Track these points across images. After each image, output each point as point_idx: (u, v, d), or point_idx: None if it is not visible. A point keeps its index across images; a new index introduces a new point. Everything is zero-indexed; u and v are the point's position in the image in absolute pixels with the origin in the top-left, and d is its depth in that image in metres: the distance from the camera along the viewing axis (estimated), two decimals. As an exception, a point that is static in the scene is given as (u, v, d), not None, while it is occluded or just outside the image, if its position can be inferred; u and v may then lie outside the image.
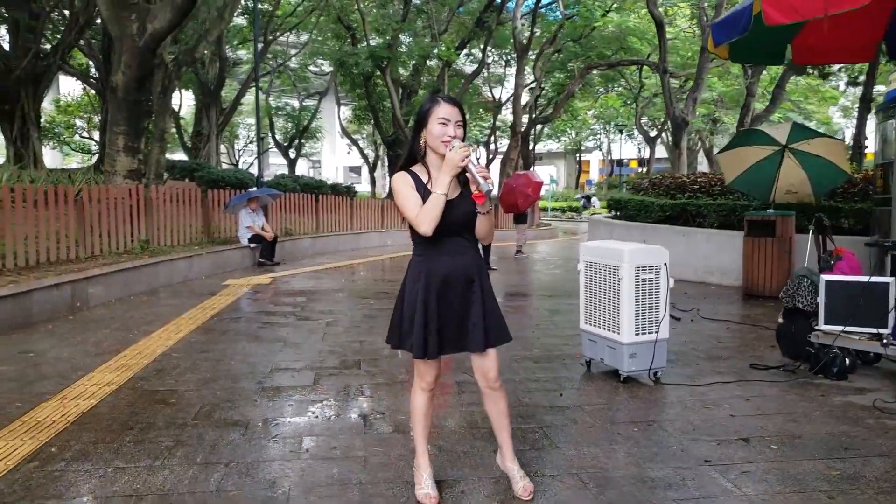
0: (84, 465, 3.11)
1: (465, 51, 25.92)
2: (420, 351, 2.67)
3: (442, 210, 2.54)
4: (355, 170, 54.64)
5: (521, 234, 13.89)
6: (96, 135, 22.95)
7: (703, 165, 35.48)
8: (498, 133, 33.25)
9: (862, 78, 15.54)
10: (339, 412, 3.92)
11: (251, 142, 37.34)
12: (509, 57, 28.54)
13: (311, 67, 31.74)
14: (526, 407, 3.99)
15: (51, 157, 29.24)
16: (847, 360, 4.56)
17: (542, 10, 24.62)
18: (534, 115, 28.09)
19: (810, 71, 19.41)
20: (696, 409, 3.96)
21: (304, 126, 33.00)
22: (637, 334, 4.38)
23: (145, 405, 3.97)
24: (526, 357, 5.18)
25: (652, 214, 10.80)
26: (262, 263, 11.22)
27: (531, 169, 24.02)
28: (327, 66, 30.38)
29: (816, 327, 4.70)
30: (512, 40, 23.14)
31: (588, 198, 37.68)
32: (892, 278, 4.50)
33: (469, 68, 28.85)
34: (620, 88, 32.57)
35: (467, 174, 2.58)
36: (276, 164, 42.00)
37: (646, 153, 39.26)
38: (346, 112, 36.79)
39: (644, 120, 36.01)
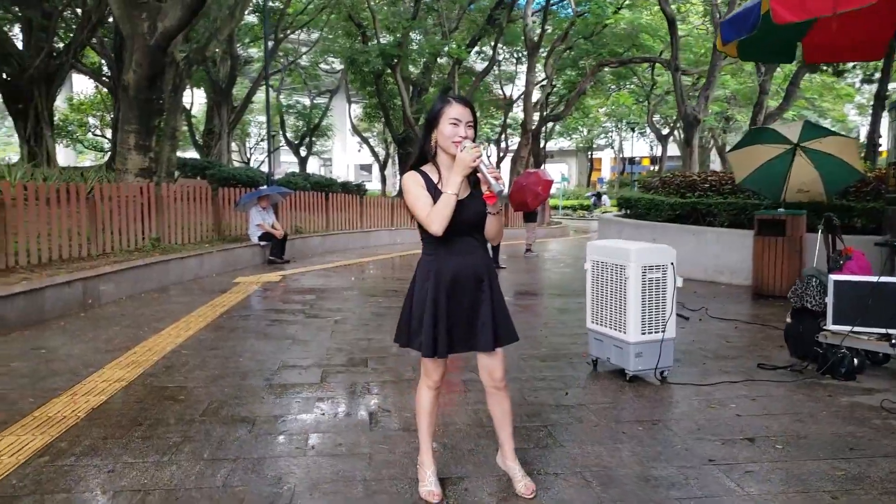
0: (93, 460, 3.16)
1: (476, 48, 25.88)
2: (430, 350, 2.69)
3: (453, 210, 2.55)
4: (366, 168, 54.74)
5: (531, 232, 13.89)
6: (109, 133, 23.17)
7: (715, 164, 35.26)
8: (509, 131, 33.20)
9: (877, 75, 15.41)
10: (345, 409, 3.95)
11: (262, 140, 37.52)
12: (520, 54, 28.48)
13: (322, 65, 31.82)
14: (531, 405, 4.00)
15: (64, 155, 29.56)
16: (855, 361, 4.53)
17: (554, 6, 24.54)
18: (545, 113, 28.03)
19: (824, 68, 19.26)
20: (701, 409, 3.95)
21: (315, 124, 33.13)
22: (643, 333, 4.38)
23: (154, 401, 4.02)
24: (533, 356, 5.19)
25: (662, 213, 10.76)
26: (272, 261, 11.28)
27: (542, 167, 23.98)
28: (338, 64, 30.43)
29: (825, 327, 4.68)
30: (523, 37, 23.09)
31: (599, 195, 37.52)
32: (902, 278, 4.48)
33: (480, 66, 28.82)
34: (632, 86, 32.41)
35: (478, 174, 2.59)
36: (288, 162, 42.19)
37: (658, 151, 39.06)
38: (356, 110, 36.88)
39: (656, 118, 35.83)
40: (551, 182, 12.44)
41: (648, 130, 38.18)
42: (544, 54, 24.69)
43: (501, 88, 33.44)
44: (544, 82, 27.33)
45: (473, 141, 2.61)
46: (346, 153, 52.49)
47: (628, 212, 12.78)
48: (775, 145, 7.94)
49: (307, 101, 35.24)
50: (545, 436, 3.51)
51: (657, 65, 25.83)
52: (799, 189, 8.23)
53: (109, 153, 20.00)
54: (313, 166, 44.40)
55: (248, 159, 38.57)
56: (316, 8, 23.98)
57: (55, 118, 19.38)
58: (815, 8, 3.86)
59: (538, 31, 22.77)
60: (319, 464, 3.15)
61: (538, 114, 26.69)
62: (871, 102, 15.79)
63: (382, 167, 36.93)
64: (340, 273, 10.60)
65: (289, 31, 24.70)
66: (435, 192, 2.64)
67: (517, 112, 31.52)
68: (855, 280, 4.59)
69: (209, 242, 10.71)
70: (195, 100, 29.29)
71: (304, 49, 29.99)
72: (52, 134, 16.68)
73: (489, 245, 2.86)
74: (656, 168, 37.00)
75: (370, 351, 5.36)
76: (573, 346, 5.52)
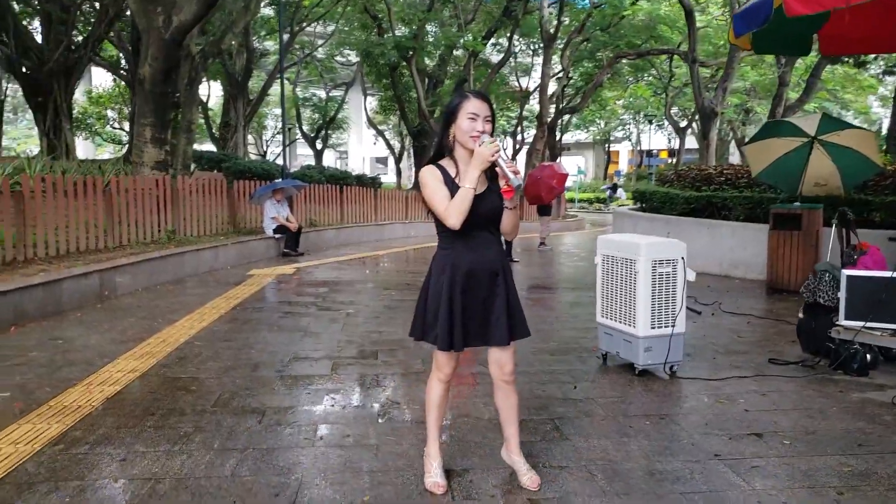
0: (106, 449, 3.22)
1: (492, 40, 25.78)
2: (445, 343, 2.71)
3: (470, 204, 2.57)
4: (382, 161, 54.76)
5: (545, 225, 13.85)
6: (127, 126, 23.36)
7: (734, 157, 34.88)
8: (525, 123, 33.05)
9: (898, 67, 15.14)
10: (354, 401, 3.99)
11: (279, 132, 37.67)
12: (536, 46, 28.30)
13: (338, 58, 31.87)
14: (539, 398, 4.01)
15: (83, 147, 29.90)
16: (868, 357, 4.50)
17: (570, -2, 24.40)
18: (561, 106, 27.87)
19: (846, 59, 18.94)
20: (710, 404, 3.95)
21: (331, 117, 33.19)
22: (653, 328, 4.37)
23: (167, 392, 4.08)
24: (543, 349, 5.19)
25: (676, 207, 10.69)
26: (286, 254, 11.36)
27: (557, 160, 23.87)
28: (354, 57, 30.46)
29: (837, 322, 4.64)
30: (539, 29, 22.94)
31: (614, 187, 37.18)
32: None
33: (496, 58, 28.68)
34: (650, 78, 32.12)
35: (497, 169, 2.60)
36: (304, 155, 42.31)
37: (676, 144, 38.71)
38: (372, 102, 36.89)
39: (674, 110, 35.47)
40: (566, 175, 12.37)
41: (666, 123, 37.81)
42: (561, 46, 24.53)
43: (517, 80, 33.26)
44: (560, 74, 27.15)
45: (491, 135, 2.63)
46: (362, 146, 52.53)
47: (643, 205, 12.70)
48: (792, 138, 7.85)
49: (323, 94, 35.31)
50: (552, 429, 3.53)
51: (675, 56, 25.58)
52: (816, 183, 8.13)
53: (127, 146, 20.20)
54: (329, 159, 44.49)
55: (265, 152, 38.75)
56: (331, 0, 24.00)
57: (74, 111, 19.61)
58: (828, 0, 3.81)
59: (555, 22, 22.61)
60: (327, 454, 3.19)
61: (554, 106, 26.54)
62: (894, 94, 15.52)
63: (398, 160, 36.94)
64: (354, 266, 10.66)
65: (304, 24, 24.72)
66: (452, 186, 2.65)
67: (533, 104, 31.38)
68: (868, 275, 4.55)
69: (224, 235, 10.81)
70: (212, 93, 29.47)
71: (319, 41, 30.03)
72: (70, 127, 16.88)
73: (502, 239, 2.87)
74: (674, 161, 36.70)
75: (381, 343, 5.39)
76: (583, 339, 5.52)
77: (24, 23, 16.98)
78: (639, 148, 48.47)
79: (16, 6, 16.32)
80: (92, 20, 17.36)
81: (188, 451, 3.19)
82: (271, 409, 3.81)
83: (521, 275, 9.72)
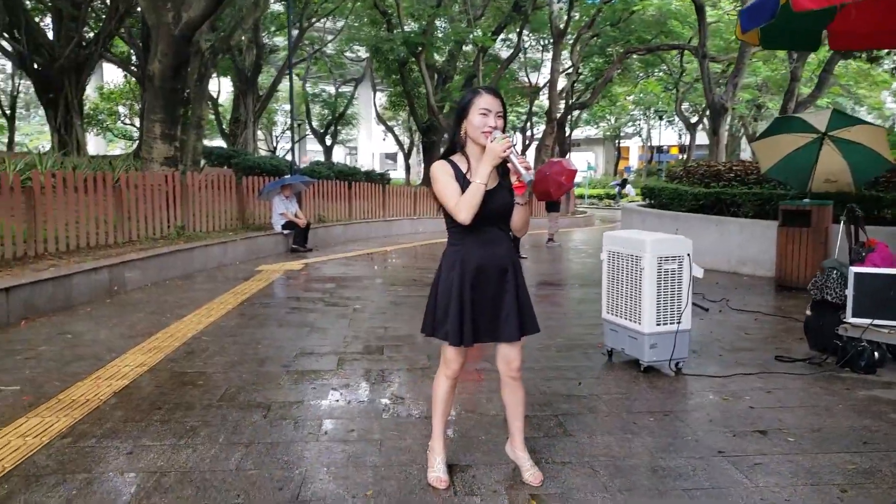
0: (113, 442, 3.25)
1: (502, 35, 25.70)
2: (456, 338, 2.71)
3: (481, 199, 2.58)
4: (391, 156, 54.81)
5: (554, 222, 13.83)
6: (138, 121, 23.50)
7: (746, 152, 34.63)
8: (535, 119, 32.95)
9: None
10: (359, 396, 4.00)
11: (288, 128, 37.74)
12: (546, 41, 28.22)
13: (348, 53, 31.86)
14: (543, 395, 4.02)
15: (94, 143, 30.09)
16: (876, 354, 4.47)
17: (581, -7, 24.28)
18: (570, 101, 27.77)
19: (858, 55, 18.75)
20: (715, 401, 3.94)
21: (341, 112, 33.23)
22: (658, 325, 4.36)
23: (174, 386, 4.12)
24: (549, 346, 5.19)
25: (685, 203, 10.63)
26: (294, 250, 11.41)
27: (566, 156, 23.81)
28: (363, 52, 30.46)
29: (845, 320, 4.62)
30: (549, 24, 22.87)
31: (624, 182, 37.00)
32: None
33: (505, 53, 28.60)
34: (661, 73, 31.94)
35: (508, 164, 2.60)
36: (313, 151, 42.37)
37: (686, 140, 38.50)
38: (381, 98, 36.89)
39: (685, 106, 35.29)
40: (575, 172, 12.29)
41: (677, 119, 37.62)
42: (571, 41, 24.43)
43: (527, 76, 33.17)
44: (570, 70, 27.03)
45: (503, 131, 2.63)
46: (372, 142, 52.56)
47: (652, 201, 12.66)
48: (802, 134, 7.79)
49: (332, 90, 35.34)
50: (556, 425, 3.53)
51: (686, 52, 25.42)
52: (826, 179, 8.07)
53: (137, 142, 20.33)
54: (339, 155, 44.63)
55: (275, 147, 38.85)
56: (341, -4, 24.04)
57: (85, 107, 19.75)
58: (836, -5, 3.78)
59: (564, 17, 22.52)
60: (331, 449, 3.21)
61: (564, 102, 26.45)
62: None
63: (407, 156, 36.94)
64: (361, 262, 10.69)
65: (314, 20, 24.77)
66: (463, 181, 2.66)
67: (543, 100, 31.28)
68: (876, 272, 4.52)
69: (233, 231, 10.86)
70: (222, 88, 29.57)
71: (329, 37, 30.07)
72: (81, 123, 17.01)
73: (511, 235, 2.87)
74: (685, 157, 36.50)
75: (386, 339, 5.41)
76: (589, 336, 5.52)
77: (36, 19, 17.09)
78: (649, 144, 48.24)
79: (27, 3, 16.44)
80: (102, 16, 17.48)
81: (194, 445, 3.22)
82: (277, 403, 3.84)
83: (529, 271, 9.71)
